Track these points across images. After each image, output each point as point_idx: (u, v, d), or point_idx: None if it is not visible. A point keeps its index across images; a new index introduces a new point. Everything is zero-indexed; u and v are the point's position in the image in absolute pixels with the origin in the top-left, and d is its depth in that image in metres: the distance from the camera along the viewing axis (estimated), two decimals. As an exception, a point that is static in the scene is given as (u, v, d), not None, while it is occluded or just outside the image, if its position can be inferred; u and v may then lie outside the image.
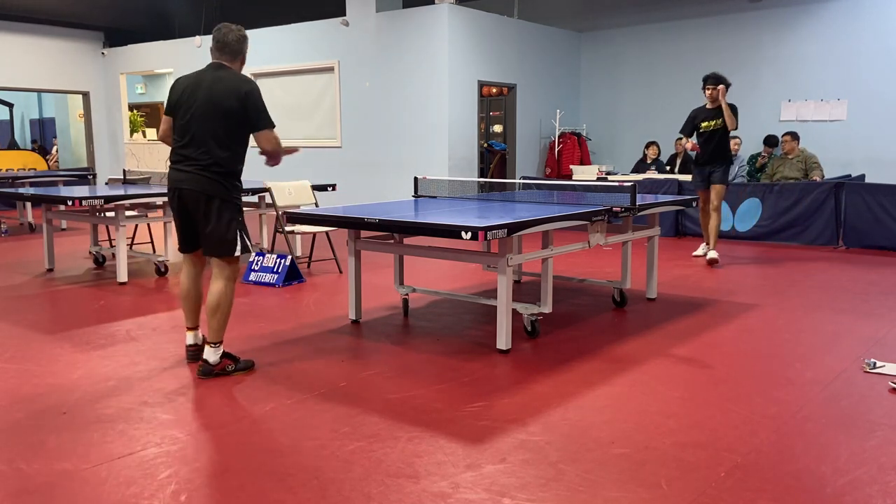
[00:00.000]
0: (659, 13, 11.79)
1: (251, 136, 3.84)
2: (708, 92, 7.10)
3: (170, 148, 3.96)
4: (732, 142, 9.96)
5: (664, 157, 11.25)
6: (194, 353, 4.09)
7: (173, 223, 4.06)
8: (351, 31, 11.32)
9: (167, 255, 6.85)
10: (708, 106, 7.19)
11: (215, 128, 3.72)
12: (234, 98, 3.71)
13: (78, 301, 5.72)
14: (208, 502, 2.53)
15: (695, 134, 7.32)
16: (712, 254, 7.23)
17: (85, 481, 2.69)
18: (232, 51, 3.86)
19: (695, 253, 7.74)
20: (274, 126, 3.85)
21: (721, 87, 7.01)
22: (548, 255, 4.51)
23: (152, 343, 4.51)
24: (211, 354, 3.87)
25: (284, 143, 3.98)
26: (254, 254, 6.60)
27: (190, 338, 4.12)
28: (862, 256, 7.68)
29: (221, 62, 3.86)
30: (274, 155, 3.89)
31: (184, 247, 4.01)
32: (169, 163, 3.94)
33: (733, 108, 7.00)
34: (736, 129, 7.07)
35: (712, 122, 7.15)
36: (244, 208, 4.05)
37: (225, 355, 3.93)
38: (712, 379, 3.80)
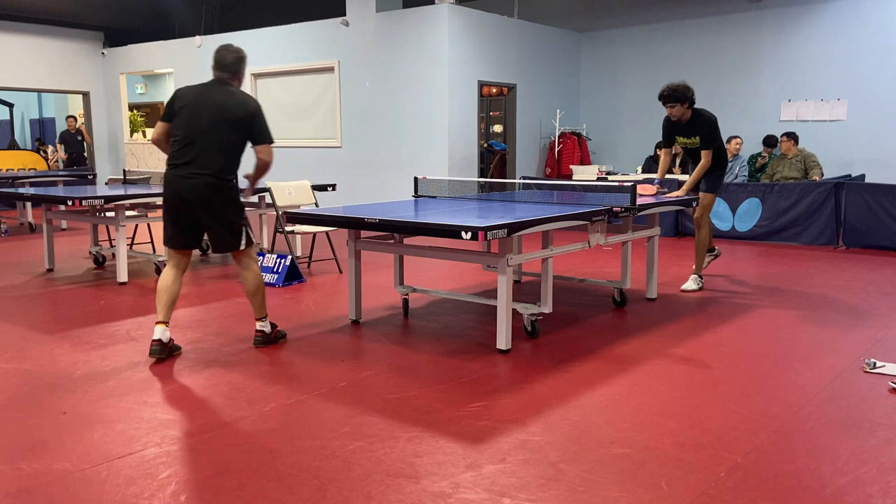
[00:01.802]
0: (659, 13, 11.79)
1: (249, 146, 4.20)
2: (668, 111, 5.84)
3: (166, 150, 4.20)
4: (734, 141, 9.93)
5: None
6: (158, 348, 4.10)
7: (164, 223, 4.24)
8: (351, 31, 11.32)
9: (167, 255, 6.84)
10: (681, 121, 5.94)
11: (223, 137, 4.05)
12: (243, 111, 4.08)
13: (78, 301, 5.72)
14: (208, 502, 2.53)
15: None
16: (691, 283, 5.98)
17: (85, 481, 2.69)
18: (230, 71, 4.18)
19: (683, 287, 6.06)
20: (273, 142, 4.24)
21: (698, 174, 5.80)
22: (548, 255, 4.51)
23: (152, 343, 4.51)
24: (265, 326, 4.40)
25: (283, 145, 4.34)
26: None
27: (158, 332, 4.12)
28: (862, 256, 7.68)
29: (223, 79, 4.18)
30: (266, 168, 4.21)
31: (178, 243, 4.22)
32: (168, 167, 4.10)
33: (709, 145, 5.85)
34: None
35: (688, 140, 5.95)
36: (246, 207, 4.36)
37: (272, 325, 4.47)
38: (712, 379, 3.80)
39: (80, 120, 15.26)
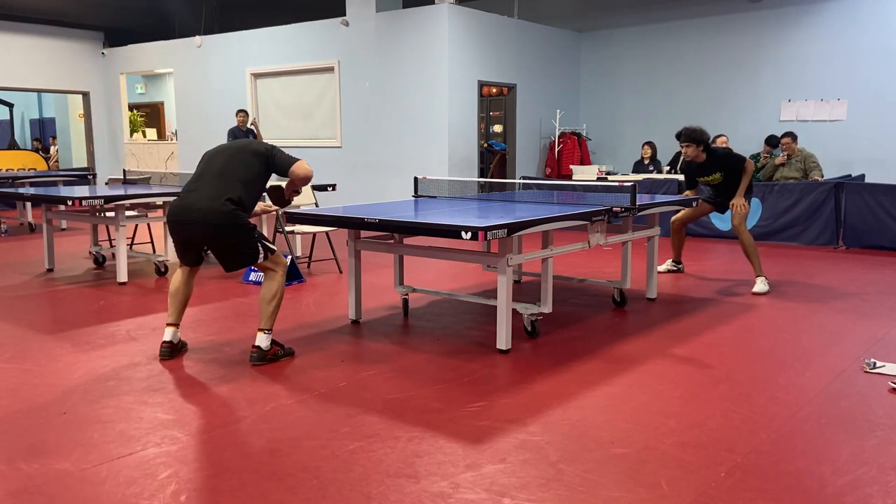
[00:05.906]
0: (659, 13, 11.79)
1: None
2: (682, 149, 6.12)
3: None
4: (720, 139, 9.83)
5: (665, 157, 11.24)
6: (168, 350, 4.18)
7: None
8: (351, 31, 11.32)
9: (167, 254, 6.85)
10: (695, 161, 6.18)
11: (243, 165, 4.11)
12: (262, 146, 4.20)
13: (78, 301, 5.72)
14: (208, 502, 2.53)
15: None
16: (761, 285, 5.92)
17: (85, 481, 2.69)
18: None
19: (755, 290, 5.94)
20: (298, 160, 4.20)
21: (742, 203, 6.01)
22: (548, 255, 4.51)
23: (152, 343, 4.51)
24: (263, 340, 4.09)
25: (283, 145, 4.26)
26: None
27: (168, 334, 4.19)
28: (862, 256, 7.68)
29: None
30: (304, 181, 4.20)
31: (188, 261, 4.21)
32: (178, 197, 4.17)
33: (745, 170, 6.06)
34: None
35: (708, 178, 6.21)
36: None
37: (273, 342, 4.17)
38: (712, 379, 3.80)
39: (253, 115, 12.62)
